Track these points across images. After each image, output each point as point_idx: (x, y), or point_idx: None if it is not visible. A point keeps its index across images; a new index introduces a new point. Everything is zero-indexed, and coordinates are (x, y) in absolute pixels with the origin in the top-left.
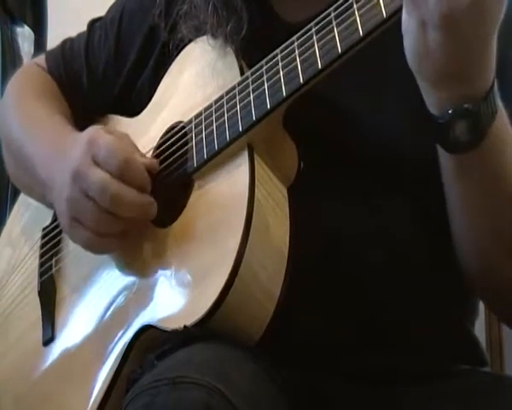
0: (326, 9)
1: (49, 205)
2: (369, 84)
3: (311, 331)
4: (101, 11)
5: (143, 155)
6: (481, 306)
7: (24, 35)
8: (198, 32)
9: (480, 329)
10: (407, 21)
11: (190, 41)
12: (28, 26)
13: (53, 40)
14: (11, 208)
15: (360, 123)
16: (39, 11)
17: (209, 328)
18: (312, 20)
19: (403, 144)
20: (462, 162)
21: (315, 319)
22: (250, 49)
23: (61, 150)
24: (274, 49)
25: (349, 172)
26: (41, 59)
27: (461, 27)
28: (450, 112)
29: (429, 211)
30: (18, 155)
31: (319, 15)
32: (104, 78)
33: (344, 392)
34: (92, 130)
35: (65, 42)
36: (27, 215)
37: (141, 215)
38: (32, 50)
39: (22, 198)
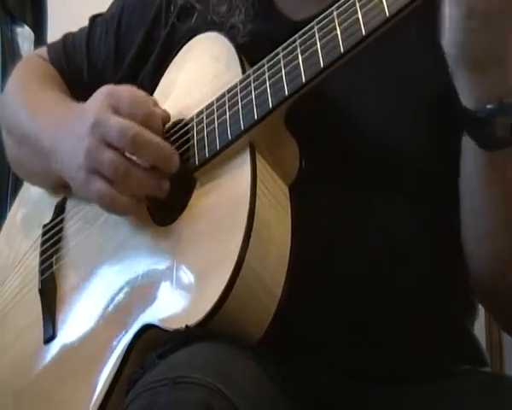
0: (329, 7)
1: (53, 178)
2: (370, 83)
3: (311, 330)
4: (101, 11)
5: (156, 104)
6: (481, 306)
7: (24, 35)
8: (201, 28)
9: (479, 329)
10: (450, 10)
11: (191, 38)
12: (28, 26)
13: (53, 40)
14: (11, 204)
15: (361, 122)
16: (39, 11)
17: (210, 328)
18: (315, 18)
19: (403, 144)
20: (494, 160)
21: (315, 318)
22: (252, 47)
23: (71, 113)
24: (276, 47)
25: (349, 171)
26: (42, 51)
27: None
28: (490, 106)
29: (429, 211)
30: (19, 134)
31: (322, 13)
32: (104, 73)
33: (344, 391)
34: (109, 85)
35: (66, 36)
36: (27, 212)
37: (161, 161)
38: (32, 50)
39: (22, 194)
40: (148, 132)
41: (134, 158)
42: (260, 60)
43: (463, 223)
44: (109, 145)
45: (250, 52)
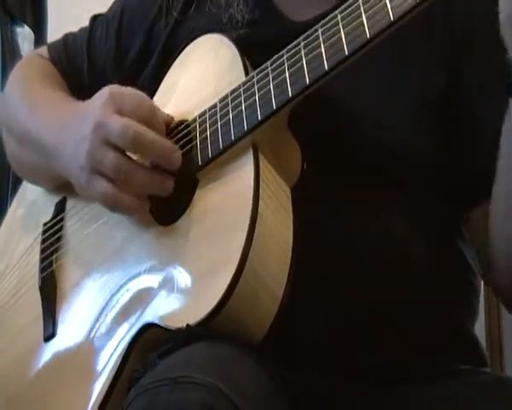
0: (331, 8)
1: (53, 178)
2: (372, 85)
3: (311, 331)
4: (101, 11)
5: (159, 110)
6: (481, 306)
7: (24, 35)
8: (202, 29)
9: (480, 329)
10: None
11: (193, 38)
12: (28, 26)
13: (53, 40)
14: (11, 203)
15: (363, 124)
16: (39, 11)
17: (211, 327)
18: (317, 19)
19: (405, 145)
20: None
21: (316, 319)
22: (254, 48)
23: (72, 113)
24: (278, 49)
25: (351, 173)
26: (42, 50)
27: None
28: None
29: (430, 212)
30: (20, 134)
31: (324, 14)
32: (105, 73)
33: (344, 391)
34: (111, 86)
35: (67, 36)
36: (26, 210)
37: (163, 159)
38: (32, 50)
39: (21, 192)
40: (149, 131)
41: (136, 158)
42: (261, 63)
43: (497, 202)
44: (111, 146)
45: (252, 53)
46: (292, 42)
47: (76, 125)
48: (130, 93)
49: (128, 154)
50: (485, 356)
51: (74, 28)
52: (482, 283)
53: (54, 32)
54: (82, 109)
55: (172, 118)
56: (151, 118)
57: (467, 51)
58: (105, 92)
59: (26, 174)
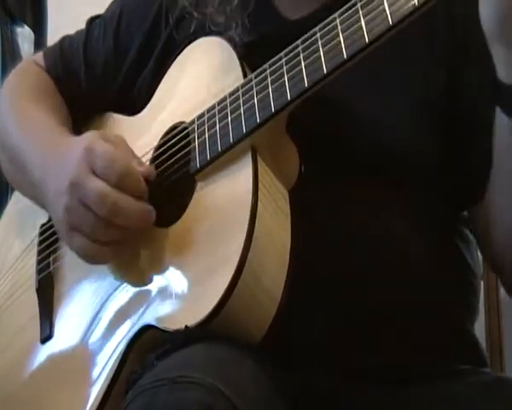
0: (327, 6)
1: (41, 206)
2: (371, 87)
3: (311, 331)
4: (101, 11)
5: (141, 163)
6: (481, 306)
7: (24, 35)
8: (200, 31)
9: (480, 329)
10: None
11: (191, 41)
12: (28, 26)
13: (53, 40)
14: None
15: (361, 125)
16: (39, 11)
17: (210, 329)
18: (314, 17)
19: (404, 146)
20: None
21: (315, 320)
22: (251, 46)
23: (56, 156)
24: (275, 46)
25: (350, 175)
26: (39, 56)
27: None
28: None
29: (430, 212)
30: (12, 155)
31: (321, 12)
32: (103, 75)
33: (344, 392)
34: (88, 137)
35: (63, 39)
36: (22, 211)
37: (139, 223)
38: (32, 50)
39: (17, 193)
40: (125, 199)
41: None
42: (260, 62)
43: (497, 201)
44: (87, 207)
45: (249, 51)
46: (288, 39)
47: (56, 171)
48: (103, 149)
49: None
50: (485, 356)
51: (74, 28)
52: (482, 283)
53: (54, 33)
54: (63, 153)
55: (152, 171)
56: (123, 177)
57: (467, 51)
58: (81, 145)
59: (17, 188)
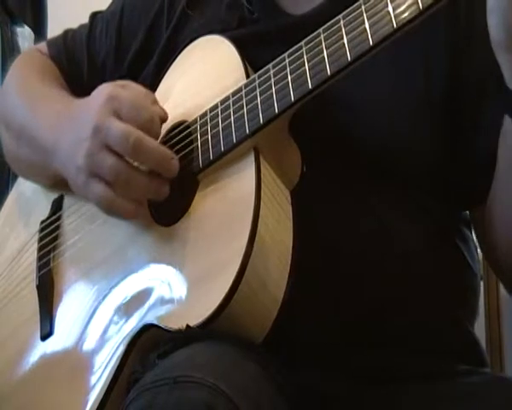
0: (329, 2)
1: (50, 176)
2: (372, 87)
3: (311, 332)
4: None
5: (155, 102)
6: (481, 306)
7: (24, 35)
8: (202, 29)
9: (480, 329)
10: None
11: (193, 39)
12: (28, 26)
13: None
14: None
15: (363, 126)
16: (39, 11)
17: (211, 328)
18: (316, 13)
19: (406, 146)
20: None
21: (315, 320)
22: (254, 43)
23: (72, 112)
24: (278, 43)
25: (352, 176)
26: (42, 45)
27: None
28: None
29: (431, 212)
30: (19, 129)
31: (322, 8)
32: (104, 70)
33: (343, 391)
34: (109, 86)
35: (67, 32)
36: (22, 207)
37: (162, 167)
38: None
39: (17, 189)
40: (149, 138)
41: (135, 163)
42: (262, 58)
43: (497, 214)
44: (110, 150)
45: (251, 48)
46: (290, 36)
47: (74, 125)
48: (128, 96)
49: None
50: (485, 356)
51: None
52: (482, 283)
53: (54, 32)
54: (80, 109)
55: (167, 115)
56: (149, 122)
57: (469, 51)
58: (103, 92)
59: (23, 171)
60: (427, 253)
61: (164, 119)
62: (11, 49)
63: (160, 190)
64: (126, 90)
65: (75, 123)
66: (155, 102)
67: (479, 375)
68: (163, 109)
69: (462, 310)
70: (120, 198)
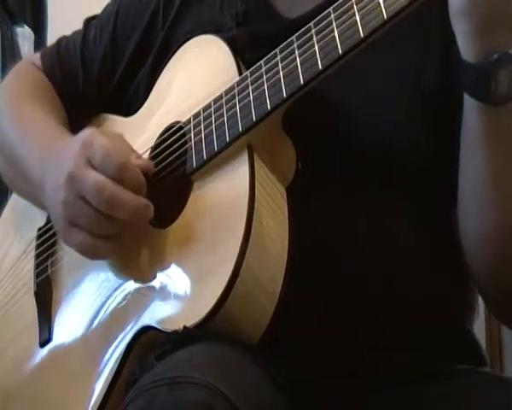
0: (324, 4)
1: (40, 206)
2: (366, 84)
3: (309, 331)
4: (101, 11)
5: (139, 157)
6: (481, 306)
7: (24, 35)
8: (196, 30)
9: (480, 329)
10: None
11: (187, 40)
12: (28, 26)
13: (53, 40)
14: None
15: (358, 123)
16: (39, 11)
17: (209, 329)
18: (308, 15)
19: (401, 145)
20: (494, 118)
21: (313, 319)
22: (247, 45)
23: (54, 152)
24: (271, 45)
25: (346, 172)
26: (36, 57)
27: None
28: (494, 57)
29: (428, 210)
30: (9, 156)
31: (317, 10)
32: (99, 75)
33: (343, 391)
34: (86, 132)
35: (60, 40)
36: (20, 214)
37: (137, 218)
38: (32, 50)
39: (15, 196)
40: (122, 192)
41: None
42: (256, 60)
43: (462, 198)
44: (85, 200)
45: (246, 50)
46: (284, 38)
47: (55, 165)
48: (101, 143)
49: None
50: (485, 356)
51: (74, 28)
52: None
53: (54, 32)
54: (63, 149)
55: (151, 164)
56: (122, 172)
57: None
58: (78, 140)
59: (15, 190)
60: (426, 251)
61: (145, 168)
62: (11, 49)
63: (140, 223)
64: (103, 137)
65: (56, 164)
66: (137, 156)
67: (479, 375)
68: (147, 161)
69: (462, 309)
70: (101, 243)
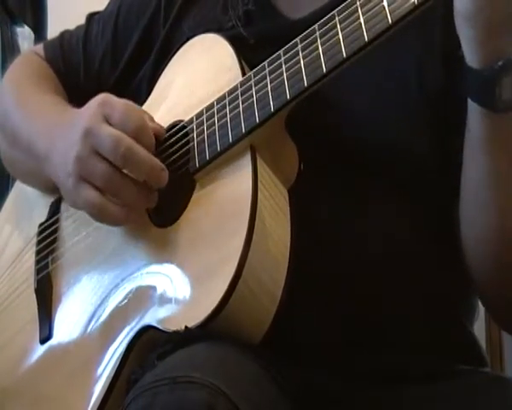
0: (326, 5)
1: (43, 183)
2: (369, 85)
3: (310, 331)
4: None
5: (152, 119)
6: (481, 306)
7: (24, 35)
8: (199, 28)
9: (480, 329)
10: None
11: (190, 38)
12: (28, 26)
13: None
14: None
15: (360, 124)
16: (39, 11)
17: (210, 329)
18: (312, 16)
19: (403, 145)
20: (498, 124)
21: (314, 320)
22: (250, 45)
23: (64, 119)
24: (274, 45)
25: (348, 174)
26: (39, 48)
27: None
28: (499, 64)
29: (429, 211)
30: (14, 136)
31: (320, 12)
32: (101, 71)
33: (344, 392)
34: (101, 95)
35: (63, 34)
36: (21, 210)
37: (151, 178)
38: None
39: (15, 192)
40: (140, 148)
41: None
42: (260, 60)
43: (463, 200)
44: (101, 155)
45: (249, 51)
46: (286, 39)
47: (66, 130)
48: (120, 102)
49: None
50: (485, 356)
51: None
52: None
53: (54, 32)
54: (73, 115)
55: (163, 130)
56: (140, 129)
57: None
58: (96, 98)
59: (18, 175)
60: (427, 252)
61: (158, 133)
62: (11, 49)
63: (149, 197)
64: (120, 99)
65: (67, 129)
66: (151, 119)
67: (479, 375)
68: (159, 125)
69: (462, 310)
70: (111, 204)
